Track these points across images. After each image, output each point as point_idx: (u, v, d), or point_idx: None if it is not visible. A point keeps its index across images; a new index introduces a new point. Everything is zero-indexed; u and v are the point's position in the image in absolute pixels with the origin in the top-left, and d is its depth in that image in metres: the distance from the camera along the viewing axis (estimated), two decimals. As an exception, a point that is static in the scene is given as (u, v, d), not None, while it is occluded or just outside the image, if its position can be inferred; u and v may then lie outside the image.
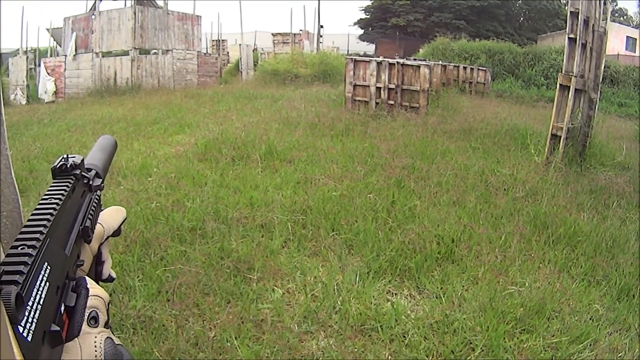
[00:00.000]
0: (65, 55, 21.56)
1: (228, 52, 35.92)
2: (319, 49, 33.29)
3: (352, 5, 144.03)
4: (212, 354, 3.12)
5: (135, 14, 19.58)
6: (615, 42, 37.36)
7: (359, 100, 12.75)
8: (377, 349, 3.24)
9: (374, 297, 3.89)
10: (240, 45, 28.89)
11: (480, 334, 3.38)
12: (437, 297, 3.95)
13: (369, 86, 12.58)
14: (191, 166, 7.10)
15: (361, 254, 4.58)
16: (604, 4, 8.24)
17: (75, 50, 21.07)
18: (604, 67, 9.02)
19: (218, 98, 16.04)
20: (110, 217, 1.01)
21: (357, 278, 4.12)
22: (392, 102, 12.31)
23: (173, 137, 9.80)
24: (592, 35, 7.88)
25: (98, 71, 20.36)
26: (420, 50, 32.51)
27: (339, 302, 3.75)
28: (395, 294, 4.03)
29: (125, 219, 1.05)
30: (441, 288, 4.07)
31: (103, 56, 20.64)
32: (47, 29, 26.17)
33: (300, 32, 34.17)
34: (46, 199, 0.76)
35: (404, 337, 3.39)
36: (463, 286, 4.11)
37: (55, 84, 21.33)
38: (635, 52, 38.74)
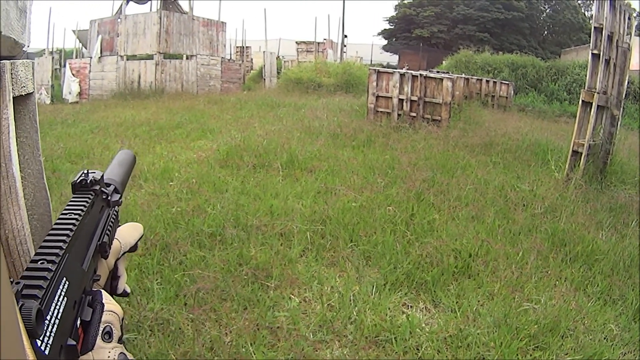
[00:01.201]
0: (91, 57, 21.73)
1: (252, 59, 36.06)
2: (343, 58, 33.39)
3: (376, 16, 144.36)
4: (227, 359, 3.16)
5: (160, 18, 19.69)
6: (640, 57, 36.98)
7: (381, 112, 12.81)
8: (390, 361, 3.27)
9: (389, 309, 3.91)
10: (264, 52, 29.01)
11: (494, 349, 3.39)
12: (452, 311, 3.96)
13: (391, 97, 12.63)
14: (212, 172, 7.15)
15: (378, 265, 4.60)
16: (629, 18, 8.22)
17: (101, 52, 21.23)
18: (628, 83, 8.96)
19: (241, 105, 16.13)
20: (127, 233, 1.05)
21: (374, 289, 4.14)
22: (414, 114, 12.35)
23: (195, 142, 9.85)
24: (616, 51, 7.85)
25: (122, 74, 20.49)
26: (444, 62, 32.49)
27: (354, 313, 3.77)
28: (411, 307, 4.05)
29: (142, 236, 1.10)
30: (457, 302, 4.08)
31: (127, 59, 20.76)
32: (73, 31, 26.42)
33: (324, 41, 34.28)
34: (66, 214, 0.80)
35: (418, 349, 3.41)
36: (478, 301, 4.12)
37: (79, 85, 21.49)
38: (660, 66, 38.34)
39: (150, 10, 21.25)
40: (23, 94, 1.13)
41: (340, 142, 9.74)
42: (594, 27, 7.69)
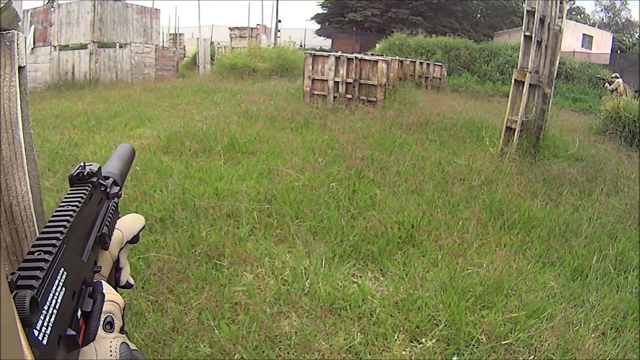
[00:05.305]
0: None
1: (184, 46, 35.67)
2: (277, 43, 33.34)
3: (310, 0, 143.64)
4: (190, 336, 3.24)
5: (94, 6, 19.12)
6: (572, 39, 38.50)
7: (317, 94, 12.93)
8: (347, 327, 3.40)
9: (340, 279, 4.05)
10: (197, 39, 28.75)
11: (443, 310, 3.57)
12: (400, 278, 4.12)
13: (327, 80, 12.76)
14: (155, 158, 7.14)
15: (326, 239, 4.74)
16: (560, 3, 8.52)
17: (34, 43, 20.66)
18: (560, 63, 9.30)
19: (177, 92, 15.94)
20: (129, 223, 1.05)
21: (324, 262, 4.27)
22: (350, 96, 12.53)
23: (134, 131, 9.74)
24: (547, 33, 8.14)
25: (56, 65, 19.83)
26: (377, 45, 32.80)
27: (307, 285, 3.90)
28: (360, 276, 4.19)
29: (144, 226, 1.09)
30: (403, 270, 4.26)
31: (61, 50, 20.21)
32: (3, 22, 25.63)
33: (258, 26, 34.12)
34: (63, 206, 0.80)
35: (372, 314, 3.56)
36: (424, 268, 4.30)
37: (11, 78, 20.89)
38: (590, 49, 40.08)
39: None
40: (21, 65, 1.19)
41: (278, 124, 9.85)
42: (527, 10, 7.94)
